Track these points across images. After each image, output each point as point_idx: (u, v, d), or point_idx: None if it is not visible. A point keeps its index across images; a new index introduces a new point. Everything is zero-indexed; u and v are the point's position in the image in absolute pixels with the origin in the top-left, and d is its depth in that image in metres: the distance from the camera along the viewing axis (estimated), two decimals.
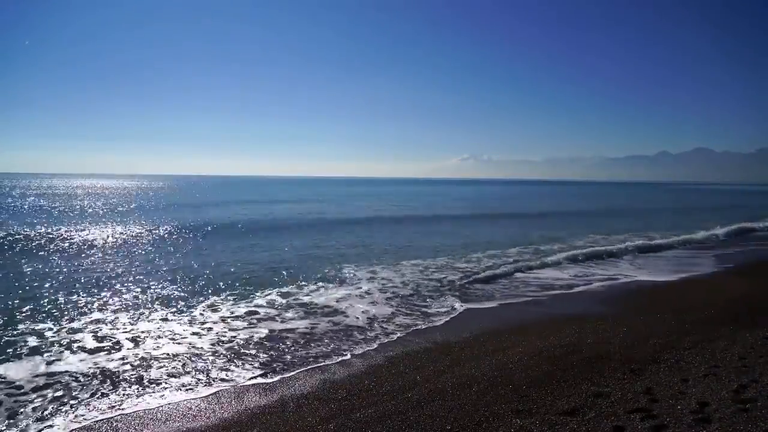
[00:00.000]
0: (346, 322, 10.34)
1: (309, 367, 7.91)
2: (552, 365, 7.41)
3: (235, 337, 9.26)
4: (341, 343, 9.13)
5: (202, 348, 8.65)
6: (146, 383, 7.19)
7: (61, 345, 8.67)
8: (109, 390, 6.96)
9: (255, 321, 10.29)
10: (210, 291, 12.93)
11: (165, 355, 8.26)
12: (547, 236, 25.75)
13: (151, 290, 12.98)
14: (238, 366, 7.89)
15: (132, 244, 21.73)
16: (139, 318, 10.38)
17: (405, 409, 6.15)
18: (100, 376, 7.44)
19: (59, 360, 8.03)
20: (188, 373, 7.57)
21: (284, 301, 11.90)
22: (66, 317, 10.34)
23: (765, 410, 5.39)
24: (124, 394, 6.82)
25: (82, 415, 6.23)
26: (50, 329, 9.50)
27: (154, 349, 8.57)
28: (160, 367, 7.75)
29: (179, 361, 8.04)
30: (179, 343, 8.85)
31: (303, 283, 14.05)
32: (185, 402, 6.63)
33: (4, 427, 5.97)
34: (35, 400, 6.64)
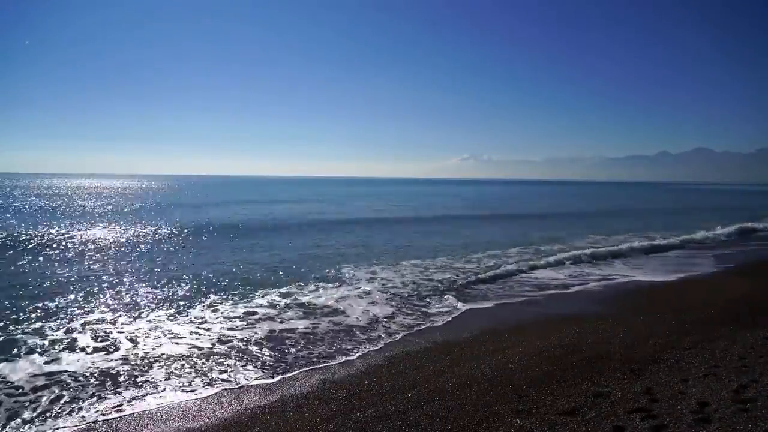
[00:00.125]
0: (346, 322, 10.34)
1: (309, 367, 7.91)
2: (552, 365, 7.41)
3: (234, 337, 9.26)
4: (341, 343, 9.12)
5: (202, 348, 8.64)
6: (146, 383, 7.18)
7: (60, 345, 8.67)
8: (109, 390, 6.96)
9: (254, 321, 10.28)
10: (210, 291, 12.93)
11: (165, 356, 8.26)
12: (547, 236, 25.74)
13: (151, 290, 12.97)
14: (238, 366, 7.88)
15: (132, 244, 21.73)
16: (138, 318, 10.38)
17: (405, 409, 6.15)
18: (99, 376, 7.44)
19: (59, 360, 8.02)
20: (188, 373, 7.57)
21: (284, 301, 11.90)
22: (66, 317, 10.33)
23: (765, 410, 5.39)
24: (123, 395, 6.82)
25: (82, 416, 6.23)
26: (50, 329, 9.49)
27: (154, 349, 8.56)
28: (160, 368, 7.75)
29: (179, 361, 8.04)
30: (179, 344, 8.85)
31: (303, 283, 14.05)
32: (185, 402, 6.62)
33: (4, 428, 5.97)
34: (35, 401, 6.64)
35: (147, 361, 8.00)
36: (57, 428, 5.95)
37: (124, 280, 14.24)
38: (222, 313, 10.83)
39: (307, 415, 6.14)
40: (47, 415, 6.26)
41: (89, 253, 18.92)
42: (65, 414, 6.28)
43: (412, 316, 10.88)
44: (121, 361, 7.98)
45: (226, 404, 6.56)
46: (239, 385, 7.15)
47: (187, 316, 10.60)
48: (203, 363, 7.97)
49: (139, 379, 7.32)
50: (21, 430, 5.93)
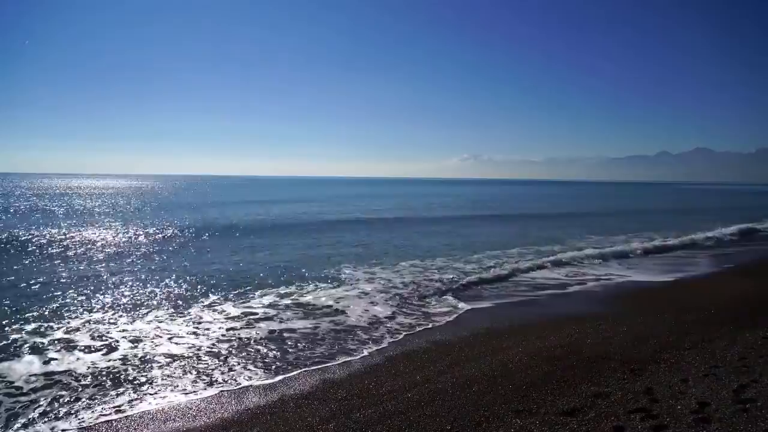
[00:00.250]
0: (346, 323, 10.33)
1: (309, 367, 7.91)
2: (552, 365, 7.41)
3: (234, 337, 9.25)
4: (341, 343, 9.12)
5: (201, 348, 8.64)
6: (146, 384, 7.18)
7: (60, 345, 8.66)
8: (109, 390, 6.95)
9: (254, 321, 10.28)
10: (210, 291, 12.92)
11: (165, 356, 8.25)
12: (548, 236, 25.74)
13: (151, 290, 12.98)
14: (238, 366, 7.88)
15: (131, 244, 21.73)
16: (138, 318, 10.37)
17: (405, 409, 6.15)
18: (99, 376, 7.43)
19: (59, 360, 8.01)
20: (188, 373, 7.57)
21: (283, 301, 11.90)
22: (65, 317, 10.33)
23: (765, 410, 5.38)
24: (123, 395, 6.81)
25: (82, 417, 6.22)
26: (50, 329, 9.49)
27: (154, 349, 8.56)
28: (160, 368, 7.75)
29: (179, 361, 8.03)
30: (179, 344, 8.85)
31: (302, 283, 14.05)
32: (185, 402, 6.62)
33: (4, 429, 5.97)
34: (34, 401, 6.63)
35: (147, 361, 7.99)
36: (57, 429, 5.95)
37: (124, 279, 14.23)
38: (222, 312, 10.83)
39: (307, 415, 6.14)
40: (47, 415, 6.25)
41: (89, 253, 18.92)
42: (65, 414, 6.27)
43: (412, 316, 10.88)
44: (120, 362, 7.98)
45: (226, 404, 6.56)
46: (239, 385, 7.15)
47: (187, 316, 10.59)
48: (203, 363, 7.97)
49: (139, 380, 7.31)
50: (21, 430, 5.92)
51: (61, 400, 6.67)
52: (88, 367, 7.73)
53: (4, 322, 9.87)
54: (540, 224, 34.35)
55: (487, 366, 7.55)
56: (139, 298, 12.19)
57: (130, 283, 13.76)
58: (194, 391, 6.93)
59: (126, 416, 6.23)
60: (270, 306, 11.45)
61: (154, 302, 11.75)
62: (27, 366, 7.75)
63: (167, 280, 14.21)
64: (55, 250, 19.47)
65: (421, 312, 11.25)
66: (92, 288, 13.12)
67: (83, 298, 12.05)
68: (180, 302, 11.77)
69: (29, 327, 9.61)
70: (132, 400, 6.65)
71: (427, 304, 11.99)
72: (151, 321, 10.18)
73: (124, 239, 23.46)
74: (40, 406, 6.50)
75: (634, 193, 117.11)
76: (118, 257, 18.28)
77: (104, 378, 7.36)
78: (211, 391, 6.94)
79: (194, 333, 9.46)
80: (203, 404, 6.57)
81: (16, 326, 9.66)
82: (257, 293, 12.66)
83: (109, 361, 8.01)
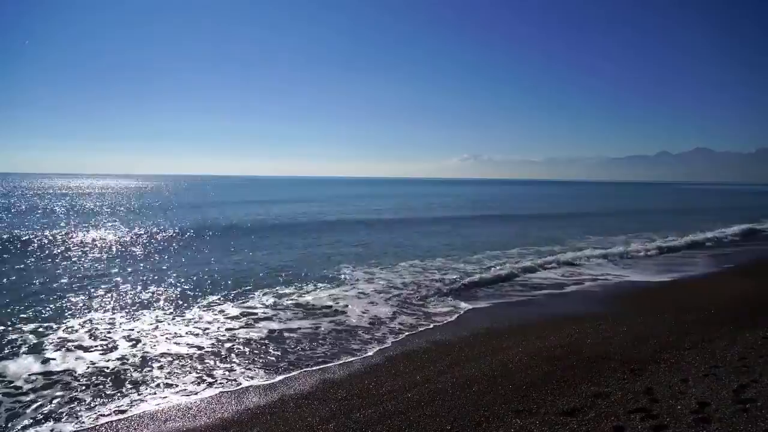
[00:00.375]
0: (347, 323, 10.33)
1: (309, 367, 7.91)
2: (552, 365, 7.41)
3: (234, 337, 9.26)
4: (341, 343, 9.12)
5: (202, 348, 8.64)
6: (146, 384, 7.18)
7: (60, 345, 8.66)
8: (109, 391, 6.96)
9: (254, 321, 10.28)
10: (210, 291, 12.93)
11: (165, 356, 8.25)
12: (548, 237, 25.75)
13: (151, 290, 12.97)
14: (238, 366, 7.88)
15: (131, 244, 21.73)
16: (138, 318, 10.37)
17: (405, 409, 6.15)
18: (99, 376, 7.43)
19: (58, 360, 8.01)
20: (188, 373, 7.57)
21: (283, 301, 11.90)
22: (65, 317, 10.33)
23: (765, 410, 5.38)
24: (123, 395, 6.81)
25: (83, 417, 6.22)
26: (50, 329, 9.49)
27: (154, 349, 8.56)
28: (160, 368, 7.75)
29: (179, 361, 8.04)
30: (179, 344, 8.85)
31: (302, 283, 14.05)
32: (185, 402, 6.62)
33: (4, 429, 5.97)
34: (35, 401, 6.64)
35: (147, 361, 7.99)
36: (57, 429, 5.95)
37: (124, 279, 14.23)
38: (222, 312, 10.83)
39: (307, 415, 6.14)
40: (47, 416, 6.26)
41: (89, 253, 18.91)
42: (65, 415, 6.27)
43: (412, 317, 10.88)
44: (120, 362, 7.98)
45: (226, 404, 6.56)
46: (239, 385, 7.15)
47: (187, 316, 10.59)
48: (203, 363, 7.97)
49: (139, 380, 7.31)
50: (21, 431, 5.92)
51: (61, 400, 6.67)
52: (88, 367, 7.73)
53: (4, 322, 9.87)
54: (540, 224, 34.35)
55: (487, 366, 7.55)
56: (139, 297, 12.19)
57: (130, 283, 13.76)
58: (194, 392, 6.93)
59: (126, 416, 6.23)
60: (270, 306, 11.45)
61: (155, 302, 11.75)
62: (27, 366, 7.75)
63: (167, 280, 14.21)
64: (55, 250, 19.47)
65: (421, 312, 11.25)
66: (92, 288, 13.12)
67: (83, 298, 12.05)
68: (180, 302, 11.77)
69: (29, 327, 9.62)
70: (132, 400, 6.65)
71: (427, 304, 11.98)
72: (151, 321, 10.18)
73: (124, 239, 23.45)
74: (40, 406, 6.50)
75: (634, 193, 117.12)
76: (118, 257, 18.28)
77: (104, 378, 7.36)
78: (211, 392, 6.95)
79: (194, 333, 9.46)
80: (203, 404, 6.57)
81: (16, 326, 9.66)
82: (257, 293, 12.66)
83: (109, 361, 8.01)
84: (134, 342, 8.89)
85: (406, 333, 9.72)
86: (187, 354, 8.35)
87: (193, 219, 34.06)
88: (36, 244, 20.95)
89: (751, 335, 8.45)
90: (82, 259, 17.57)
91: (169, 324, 9.99)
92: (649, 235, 26.20)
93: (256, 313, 10.82)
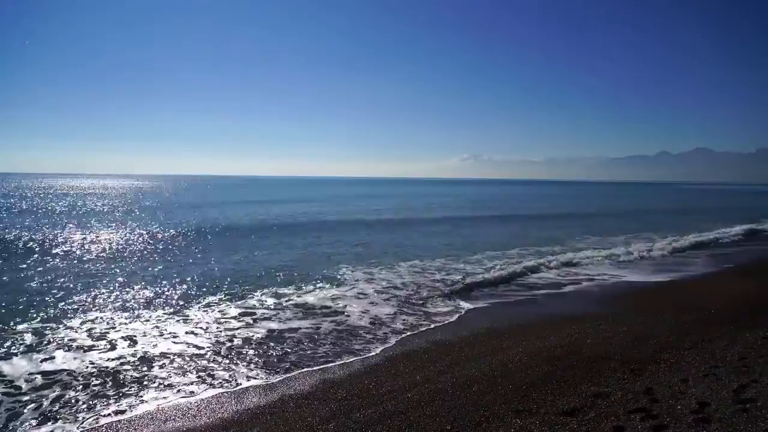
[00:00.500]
0: (347, 323, 10.33)
1: (309, 367, 7.91)
2: (552, 365, 7.40)
3: (234, 337, 9.25)
4: (341, 343, 9.12)
5: (201, 348, 8.64)
6: (146, 383, 7.18)
7: (60, 345, 8.66)
8: (109, 391, 6.95)
9: (254, 321, 10.28)
10: (209, 291, 12.93)
11: (164, 356, 8.25)
12: (548, 237, 25.75)
13: (151, 290, 12.98)
14: (238, 366, 7.88)
15: (131, 245, 21.73)
16: (138, 318, 10.38)
17: (405, 409, 6.15)
18: (99, 376, 7.43)
19: (58, 360, 8.01)
20: (188, 373, 7.57)
21: (283, 301, 11.90)
22: (65, 317, 10.33)
23: (765, 410, 5.38)
24: (123, 395, 6.81)
25: (82, 417, 6.22)
26: (50, 329, 9.49)
27: (154, 349, 8.56)
28: (160, 368, 7.75)
29: (179, 361, 8.03)
30: (178, 343, 8.85)
31: (302, 283, 14.05)
32: (185, 402, 6.62)
33: (4, 429, 5.97)
34: (34, 401, 6.63)
35: (146, 361, 7.99)
36: (57, 430, 5.95)
37: (124, 279, 14.23)
38: (222, 312, 10.83)
39: (307, 415, 6.14)
40: (47, 416, 6.25)
41: (89, 253, 18.92)
42: (65, 415, 6.27)
43: (411, 317, 10.88)
44: (120, 361, 7.97)
45: (226, 404, 6.56)
46: (239, 385, 7.15)
47: (186, 315, 10.59)
48: (203, 363, 7.96)
49: (138, 379, 7.31)
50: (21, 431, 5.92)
51: (61, 400, 6.66)
52: (87, 367, 7.72)
53: (4, 322, 9.87)
54: (540, 224, 34.34)
55: (487, 366, 7.55)
56: (139, 297, 12.19)
57: (130, 283, 13.76)
58: (194, 392, 6.93)
59: (126, 416, 6.23)
60: (270, 306, 11.45)
61: (154, 302, 11.75)
62: (26, 366, 7.75)
63: (167, 280, 14.21)
64: (55, 250, 19.47)
65: (421, 312, 11.25)
66: (92, 288, 13.12)
67: (83, 298, 12.05)
68: (180, 302, 11.77)
69: (29, 327, 9.62)
70: (132, 400, 6.65)
71: (427, 304, 11.98)
72: (151, 321, 10.18)
73: (124, 239, 23.45)
74: (40, 406, 6.49)
75: (634, 193, 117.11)
76: (118, 257, 18.28)
77: (104, 378, 7.36)
78: (211, 391, 6.94)
79: (194, 333, 9.46)
80: (203, 404, 6.57)
81: (16, 326, 9.66)
82: (257, 293, 12.66)
83: (109, 360, 8.00)
84: (134, 342, 8.89)
85: (406, 333, 9.71)
86: (187, 354, 8.35)
87: (194, 219, 34.06)
88: (36, 244, 20.95)
89: (751, 335, 8.44)
90: (82, 259, 17.57)
91: (169, 324, 9.99)
92: (649, 235, 26.19)
93: (256, 313, 10.82)
